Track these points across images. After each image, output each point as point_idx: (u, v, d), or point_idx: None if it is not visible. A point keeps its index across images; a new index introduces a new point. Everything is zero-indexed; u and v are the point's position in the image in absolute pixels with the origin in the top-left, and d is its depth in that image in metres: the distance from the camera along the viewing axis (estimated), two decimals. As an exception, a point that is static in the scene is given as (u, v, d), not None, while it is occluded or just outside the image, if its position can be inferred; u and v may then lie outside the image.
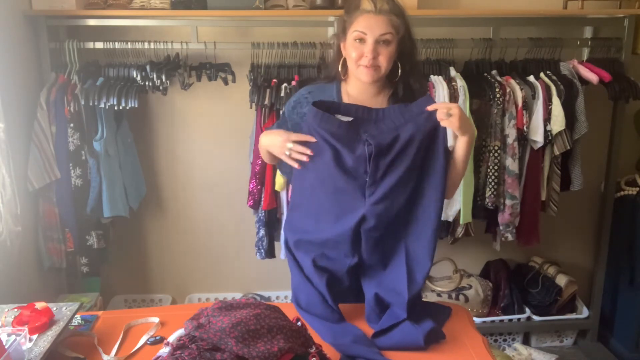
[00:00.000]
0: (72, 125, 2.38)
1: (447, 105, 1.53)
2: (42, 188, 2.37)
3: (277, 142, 1.62)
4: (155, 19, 2.49)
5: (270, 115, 2.46)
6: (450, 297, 2.75)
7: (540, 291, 2.88)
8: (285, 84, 2.43)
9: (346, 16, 1.65)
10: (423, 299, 1.64)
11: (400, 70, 1.64)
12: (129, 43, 2.47)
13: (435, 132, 1.57)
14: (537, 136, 2.46)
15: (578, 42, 2.70)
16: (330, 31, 2.63)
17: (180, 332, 1.24)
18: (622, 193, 2.85)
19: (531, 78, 2.53)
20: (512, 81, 2.49)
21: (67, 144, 2.38)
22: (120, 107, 2.36)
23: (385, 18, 1.58)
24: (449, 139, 1.60)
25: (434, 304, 1.70)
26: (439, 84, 2.39)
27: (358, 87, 1.68)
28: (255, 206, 2.56)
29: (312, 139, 1.58)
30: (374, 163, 1.53)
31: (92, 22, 2.47)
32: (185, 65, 2.53)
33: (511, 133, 2.46)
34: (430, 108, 1.55)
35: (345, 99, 1.69)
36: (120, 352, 1.42)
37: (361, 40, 1.58)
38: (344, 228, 1.56)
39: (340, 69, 1.69)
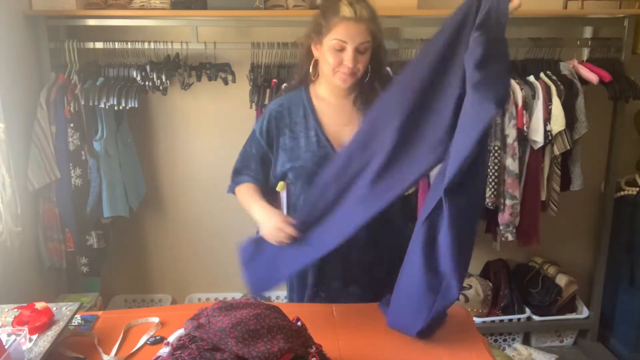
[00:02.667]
0: (72, 125, 2.38)
1: None
2: (42, 188, 2.37)
3: (269, 226, 1.58)
4: (155, 19, 2.50)
5: (270, 115, 2.46)
6: (450, 297, 2.75)
7: (540, 291, 2.88)
8: (285, 84, 2.43)
9: (323, 20, 1.60)
10: None
11: (369, 73, 1.63)
12: (129, 43, 2.47)
13: None
14: (537, 136, 2.46)
15: (578, 42, 2.70)
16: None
17: (180, 332, 1.24)
18: (622, 193, 2.85)
19: (531, 78, 2.53)
20: (512, 81, 2.49)
21: (67, 144, 2.38)
22: (120, 107, 2.36)
23: (365, 26, 1.55)
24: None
25: None
26: (439, 84, 2.39)
27: (328, 89, 1.68)
28: (255, 206, 2.56)
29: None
30: None
31: (92, 22, 2.47)
32: (185, 65, 2.53)
33: (511, 133, 2.46)
34: None
35: (315, 102, 1.69)
36: (120, 352, 1.42)
37: (341, 48, 1.56)
38: None
39: (311, 71, 1.67)
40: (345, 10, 1.55)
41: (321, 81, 1.69)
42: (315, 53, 1.65)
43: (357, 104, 1.68)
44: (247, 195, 1.72)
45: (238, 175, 1.78)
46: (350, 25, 1.54)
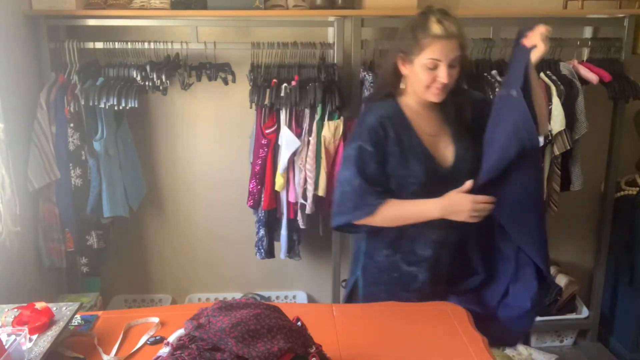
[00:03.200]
0: (72, 125, 2.38)
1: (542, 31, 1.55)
2: (42, 188, 2.37)
3: (464, 208, 1.59)
4: (155, 19, 2.50)
5: (270, 115, 2.46)
6: (450, 297, 2.75)
7: (540, 291, 2.87)
8: (285, 84, 2.43)
9: (411, 39, 1.60)
10: None
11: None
12: (129, 43, 2.47)
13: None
14: (537, 136, 2.46)
15: (578, 42, 2.69)
16: (330, 31, 2.63)
17: (180, 332, 1.24)
18: (622, 193, 2.85)
19: (531, 78, 2.52)
20: (512, 81, 2.49)
21: (67, 144, 2.38)
22: (120, 107, 2.36)
23: (456, 41, 1.57)
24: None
25: None
26: (439, 84, 2.39)
27: (417, 101, 1.69)
28: (255, 206, 2.56)
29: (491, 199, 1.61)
30: None
31: (92, 22, 2.47)
32: (185, 65, 2.53)
33: (511, 133, 2.46)
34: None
35: (408, 113, 1.70)
36: (120, 352, 1.42)
37: (434, 67, 1.57)
38: None
39: (402, 87, 1.70)
40: (436, 29, 1.56)
41: (409, 92, 1.70)
42: (404, 70, 1.66)
43: (443, 113, 1.71)
44: (402, 206, 1.66)
45: (368, 197, 1.65)
46: (443, 43, 1.55)
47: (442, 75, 1.57)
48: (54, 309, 1.45)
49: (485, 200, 1.59)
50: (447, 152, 1.71)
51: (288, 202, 2.53)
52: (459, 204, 1.60)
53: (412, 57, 1.60)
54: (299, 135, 2.43)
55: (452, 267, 1.80)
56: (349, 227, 1.73)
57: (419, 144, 1.67)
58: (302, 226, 2.56)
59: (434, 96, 1.62)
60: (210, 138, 2.83)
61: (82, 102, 2.36)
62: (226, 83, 2.55)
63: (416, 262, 1.76)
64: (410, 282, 1.78)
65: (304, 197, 2.48)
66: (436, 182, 1.67)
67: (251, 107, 2.47)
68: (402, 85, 1.72)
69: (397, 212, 1.66)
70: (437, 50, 1.56)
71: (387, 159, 1.65)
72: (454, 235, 1.73)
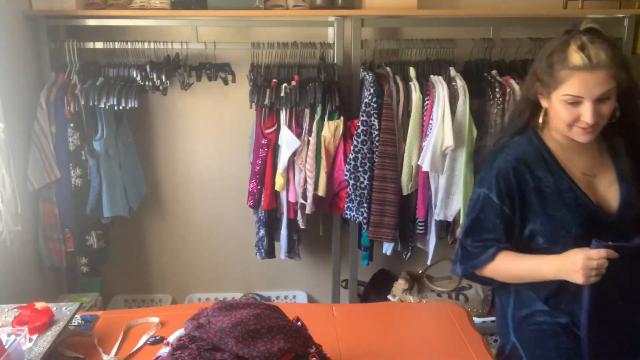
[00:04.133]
0: (72, 125, 2.38)
1: None
2: (42, 188, 2.37)
3: (576, 268, 1.28)
4: (155, 19, 2.50)
5: (270, 115, 2.46)
6: (450, 297, 2.75)
7: (540, 291, 2.87)
8: (285, 84, 2.43)
9: (546, 70, 1.35)
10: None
11: (618, 112, 1.37)
12: (129, 43, 2.47)
13: None
14: (537, 136, 2.46)
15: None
16: (330, 31, 2.63)
17: (180, 332, 1.24)
18: (622, 193, 2.84)
19: (531, 78, 2.52)
20: (512, 81, 2.48)
21: (67, 144, 2.38)
22: (120, 107, 2.36)
23: (605, 72, 1.28)
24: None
25: None
26: (438, 84, 2.39)
27: (566, 135, 1.42)
28: (255, 206, 2.56)
29: (613, 254, 1.28)
30: None
31: (92, 22, 2.47)
32: (185, 65, 2.53)
33: (511, 133, 2.45)
34: None
35: (555, 149, 1.43)
36: (120, 352, 1.42)
37: (575, 102, 1.31)
38: None
39: (541, 120, 1.43)
40: (576, 59, 1.29)
41: (553, 126, 1.43)
42: (544, 102, 1.41)
43: (606, 147, 1.46)
44: (519, 261, 1.43)
45: (483, 246, 1.45)
46: (586, 76, 1.28)
47: (586, 114, 1.30)
48: (54, 309, 1.46)
49: (601, 256, 1.26)
50: (609, 193, 1.42)
51: (288, 202, 2.53)
52: (571, 264, 1.30)
53: (549, 91, 1.35)
54: (298, 135, 2.43)
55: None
56: (480, 278, 1.52)
57: (569, 188, 1.39)
58: (302, 226, 2.56)
59: (578, 136, 1.35)
60: (210, 138, 2.83)
61: (82, 102, 2.36)
62: (226, 83, 2.55)
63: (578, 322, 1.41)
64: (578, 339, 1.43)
65: (304, 197, 2.48)
66: (597, 231, 1.36)
67: (251, 107, 2.47)
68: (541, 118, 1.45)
69: (509, 270, 1.43)
70: (577, 85, 1.29)
71: (524, 209, 1.41)
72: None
